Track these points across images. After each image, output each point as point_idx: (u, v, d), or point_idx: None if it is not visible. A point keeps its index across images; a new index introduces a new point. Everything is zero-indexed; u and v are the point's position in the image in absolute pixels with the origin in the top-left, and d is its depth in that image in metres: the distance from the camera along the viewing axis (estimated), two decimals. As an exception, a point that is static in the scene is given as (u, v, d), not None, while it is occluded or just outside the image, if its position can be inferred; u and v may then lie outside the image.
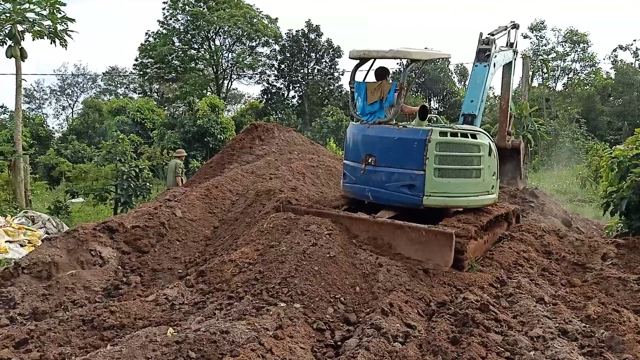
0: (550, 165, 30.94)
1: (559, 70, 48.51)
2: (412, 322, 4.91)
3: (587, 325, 4.94)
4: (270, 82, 47.11)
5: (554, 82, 49.39)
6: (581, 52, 47.21)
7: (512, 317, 5.09)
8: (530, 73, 30.87)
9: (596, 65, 48.24)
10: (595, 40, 72.10)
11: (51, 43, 15.18)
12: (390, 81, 7.70)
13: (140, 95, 47.95)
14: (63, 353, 4.57)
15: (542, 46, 47.04)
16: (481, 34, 8.72)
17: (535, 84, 44.38)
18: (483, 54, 8.53)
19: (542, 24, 46.10)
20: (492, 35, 8.85)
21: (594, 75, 48.02)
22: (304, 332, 4.77)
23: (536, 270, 6.70)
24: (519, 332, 4.74)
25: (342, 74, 43.67)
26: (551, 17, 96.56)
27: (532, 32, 46.56)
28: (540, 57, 44.51)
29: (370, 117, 7.50)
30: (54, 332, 4.86)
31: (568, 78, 49.45)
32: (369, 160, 7.18)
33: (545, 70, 43.28)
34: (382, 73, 7.83)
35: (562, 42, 46.86)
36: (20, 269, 6.44)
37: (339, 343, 4.71)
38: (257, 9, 43.15)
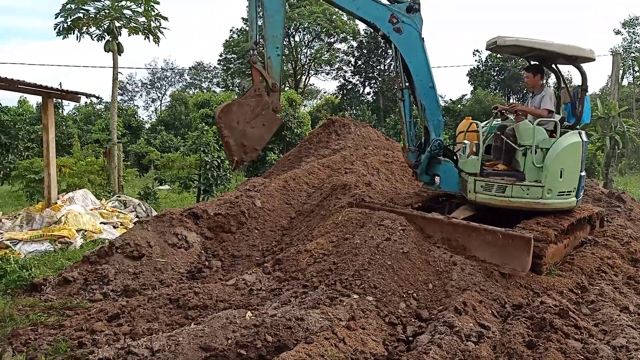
0: (638, 168, 28.94)
1: (652, 69, 44.90)
2: (486, 322, 4.86)
3: (676, 339, 4.67)
4: (346, 78, 47.22)
5: (646, 81, 45.84)
6: (676, 49, 43.50)
7: (593, 325, 4.91)
8: (621, 71, 28.87)
9: (691, 63, 44.15)
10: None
11: (145, 39, 16.15)
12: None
13: (223, 90, 49.59)
14: (151, 328, 4.93)
15: (634, 43, 43.74)
16: None
17: (625, 82, 41.42)
18: None
19: (637, 19, 42.84)
20: None
21: (689, 74, 44.04)
22: (376, 325, 4.85)
23: (621, 277, 6.39)
24: (600, 340, 4.57)
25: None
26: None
27: (625, 28, 43.42)
28: (633, 55, 41.47)
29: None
30: (143, 308, 5.25)
31: (661, 77, 45.67)
32: None
33: (637, 68, 40.30)
34: (540, 72, 7.41)
35: (656, 38, 43.44)
36: (114, 249, 6.93)
37: (411, 338, 4.74)
38: (336, 5, 43.38)
